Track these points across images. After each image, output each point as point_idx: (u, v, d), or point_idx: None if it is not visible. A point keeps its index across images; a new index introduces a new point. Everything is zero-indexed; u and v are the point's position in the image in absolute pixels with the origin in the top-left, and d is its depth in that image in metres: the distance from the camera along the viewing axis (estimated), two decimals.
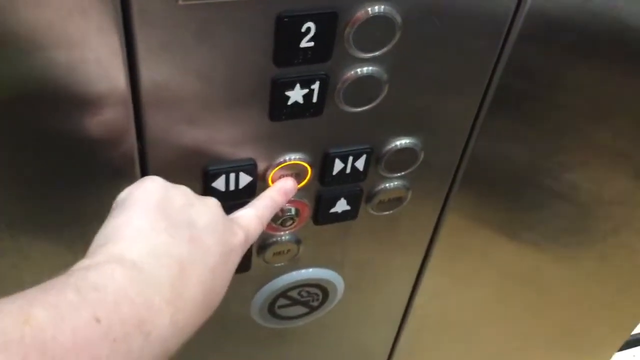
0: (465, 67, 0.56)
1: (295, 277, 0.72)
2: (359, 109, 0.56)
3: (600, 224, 0.82)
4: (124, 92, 0.47)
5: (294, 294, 0.74)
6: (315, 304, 0.77)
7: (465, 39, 0.54)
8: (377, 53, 0.51)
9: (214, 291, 0.45)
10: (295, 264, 0.71)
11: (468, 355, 1.05)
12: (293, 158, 0.58)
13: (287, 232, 0.65)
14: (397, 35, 0.50)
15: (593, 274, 0.91)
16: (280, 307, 0.75)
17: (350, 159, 0.60)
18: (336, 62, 0.51)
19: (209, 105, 0.51)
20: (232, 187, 0.57)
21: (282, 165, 0.58)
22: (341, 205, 0.64)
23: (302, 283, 0.73)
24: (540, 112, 0.63)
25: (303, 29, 0.47)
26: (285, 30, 0.47)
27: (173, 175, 0.49)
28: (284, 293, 0.73)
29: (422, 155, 0.62)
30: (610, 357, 1.19)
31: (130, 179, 0.48)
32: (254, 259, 0.67)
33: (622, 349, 1.26)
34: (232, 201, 0.55)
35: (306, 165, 0.59)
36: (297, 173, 0.59)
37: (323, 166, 0.60)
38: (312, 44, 0.48)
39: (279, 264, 0.69)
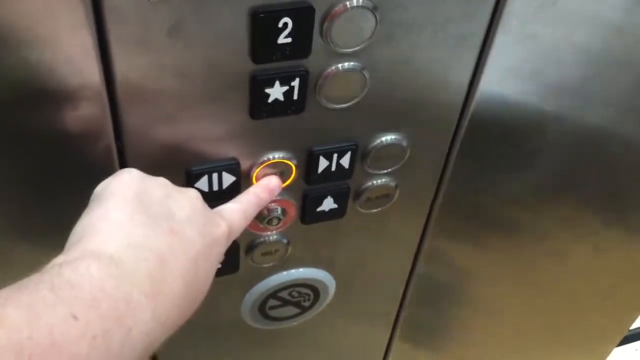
0: (449, 58, 0.56)
1: (285, 278, 0.71)
2: (342, 105, 0.55)
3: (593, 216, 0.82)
4: (98, 89, 0.46)
5: (284, 294, 0.74)
6: (307, 304, 0.76)
7: (448, 25, 0.53)
8: (357, 48, 0.51)
9: (197, 283, 0.44)
10: (284, 264, 0.70)
11: (464, 354, 1.04)
12: (277, 156, 0.57)
13: (274, 232, 0.65)
14: (377, 29, 0.50)
15: (588, 267, 0.91)
16: (271, 308, 0.75)
17: (335, 156, 0.59)
18: (316, 57, 0.50)
19: (188, 103, 0.50)
20: (215, 187, 0.56)
21: (266, 164, 0.57)
22: (328, 204, 0.64)
23: (292, 283, 0.72)
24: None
25: (280, 25, 0.46)
26: (262, 26, 0.46)
27: (154, 174, 0.48)
28: (274, 294, 0.73)
29: (408, 151, 0.62)
30: (610, 351, 1.18)
31: None
32: (242, 260, 0.67)
33: (622, 343, 1.25)
34: (217, 201, 0.54)
35: (290, 163, 0.58)
36: (281, 172, 0.58)
37: (308, 164, 0.59)
38: (289, 39, 0.47)
39: (268, 265, 0.69)
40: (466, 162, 0.66)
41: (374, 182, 0.64)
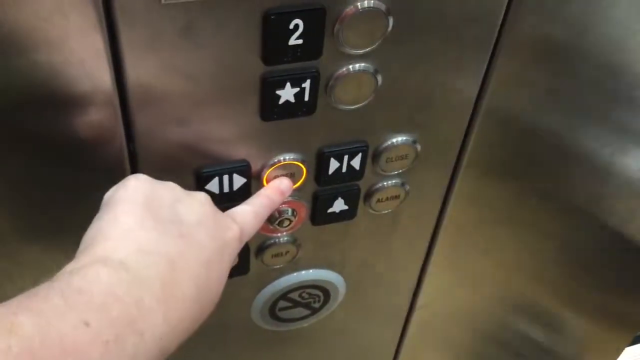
0: (461, 60, 0.55)
1: (295, 279, 0.71)
2: (353, 107, 0.55)
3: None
4: (110, 92, 0.46)
5: (294, 295, 0.73)
6: (317, 305, 0.76)
7: (460, 26, 0.52)
8: (368, 49, 0.50)
9: (209, 287, 0.44)
10: (294, 266, 0.70)
11: (475, 353, 1.04)
12: (287, 158, 0.57)
13: (285, 233, 0.65)
14: (388, 30, 0.49)
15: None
16: (282, 309, 0.75)
17: (346, 157, 0.59)
18: (327, 59, 0.50)
19: (199, 105, 0.50)
20: (226, 189, 0.56)
21: (277, 165, 0.57)
22: (339, 205, 0.63)
23: (302, 285, 0.72)
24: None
25: (291, 26, 0.46)
26: (273, 28, 0.46)
27: (165, 177, 0.48)
28: (284, 295, 0.73)
29: (419, 152, 0.61)
30: (621, 351, 1.17)
31: None
32: (252, 262, 0.67)
33: (634, 342, 1.24)
34: (227, 203, 0.54)
35: (301, 165, 0.58)
36: (292, 173, 0.58)
37: (318, 166, 0.59)
38: (301, 41, 0.47)
39: (278, 266, 0.68)
40: (477, 162, 0.65)
41: (385, 183, 0.64)
